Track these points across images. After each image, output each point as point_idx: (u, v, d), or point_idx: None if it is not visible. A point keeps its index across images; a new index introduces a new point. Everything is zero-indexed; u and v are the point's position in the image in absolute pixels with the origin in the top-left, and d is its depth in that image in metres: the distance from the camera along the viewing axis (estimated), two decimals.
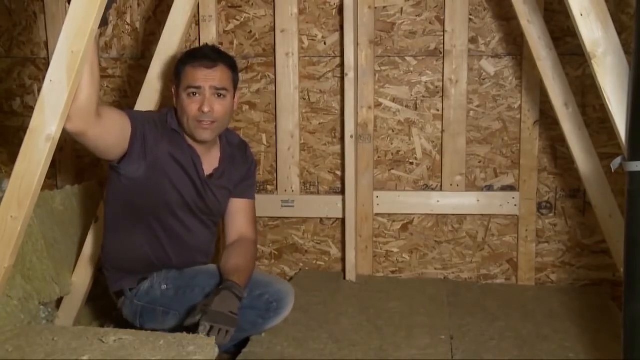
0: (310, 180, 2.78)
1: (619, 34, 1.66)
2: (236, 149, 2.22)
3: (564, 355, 1.98)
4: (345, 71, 2.61)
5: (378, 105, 2.71)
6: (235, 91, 2.10)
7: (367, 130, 2.70)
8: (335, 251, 2.79)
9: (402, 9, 2.66)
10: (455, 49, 2.63)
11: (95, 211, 2.32)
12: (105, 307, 2.42)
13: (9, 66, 2.91)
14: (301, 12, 2.70)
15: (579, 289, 2.63)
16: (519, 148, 2.65)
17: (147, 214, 2.05)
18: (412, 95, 2.70)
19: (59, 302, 2.28)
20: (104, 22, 1.66)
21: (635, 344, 1.59)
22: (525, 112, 2.62)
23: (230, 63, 2.08)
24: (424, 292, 2.54)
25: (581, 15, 1.65)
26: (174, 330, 1.89)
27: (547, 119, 2.61)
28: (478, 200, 2.68)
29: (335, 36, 2.69)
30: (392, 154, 2.74)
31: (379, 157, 2.74)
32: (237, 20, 2.74)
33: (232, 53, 2.60)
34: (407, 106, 2.71)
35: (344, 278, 2.70)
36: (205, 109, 1.98)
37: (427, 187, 2.73)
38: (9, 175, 1.92)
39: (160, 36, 2.27)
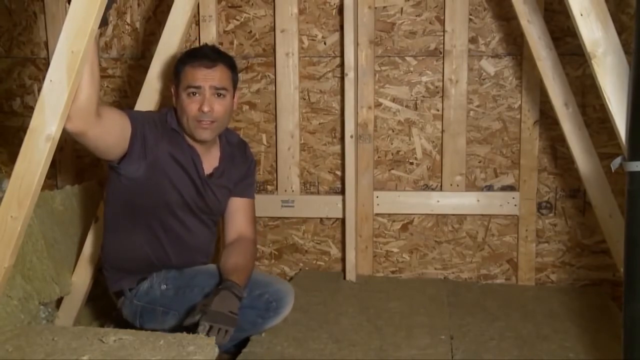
0: (310, 180, 2.78)
1: (619, 34, 1.66)
2: (235, 148, 2.22)
3: (564, 355, 1.98)
4: (345, 71, 2.61)
5: (378, 105, 2.71)
6: (235, 91, 2.11)
7: (367, 130, 2.70)
8: (335, 251, 2.79)
9: (402, 9, 2.66)
10: (455, 49, 2.63)
11: (95, 211, 2.32)
12: (105, 307, 2.41)
13: (9, 66, 2.91)
14: (301, 12, 2.70)
15: (579, 289, 2.63)
16: (519, 148, 2.65)
17: (147, 214, 2.05)
18: (412, 95, 2.70)
19: (59, 302, 2.28)
20: (104, 22, 1.67)
21: (635, 344, 1.59)
22: (525, 112, 2.62)
23: (229, 63, 2.08)
24: (424, 292, 2.54)
25: (581, 15, 1.65)
26: (173, 330, 1.89)
27: (547, 119, 2.61)
28: (478, 200, 2.68)
29: (335, 36, 2.69)
30: (392, 154, 2.74)
31: (379, 157, 2.74)
32: (237, 20, 2.74)
33: (232, 53, 2.60)
34: (407, 106, 2.71)
35: (344, 278, 2.70)
36: (205, 109, 1.98)
37: (427, 187, 2.73)
38: (9, 175, 1.92)
39: (160, 36, 2.27)
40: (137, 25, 2.81)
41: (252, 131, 2.78)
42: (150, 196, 2.02)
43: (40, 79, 2.85)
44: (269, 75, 2.74)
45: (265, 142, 2.78)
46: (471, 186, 2.71)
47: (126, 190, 2.01)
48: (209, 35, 2.69)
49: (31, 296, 2.03)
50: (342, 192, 2.71)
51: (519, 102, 2.63)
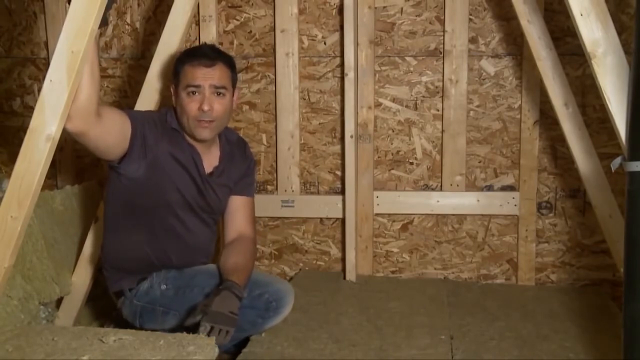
0: (310, 180, 2.78)
1: (619, 34, 1.66)
2: (235, 147, 2.22)
3: (564, 355, 1.98)
4: (345, 71, 2.61)
5: (378, 105, 2.71)
6: (234, 90, 2.11)
7: (367, 130, 2.70)
8: (335, 251, 2.79)
9: (402, 9, 2.66)
10: (455, 49, 2.63)
11: (95, 211, 2.32)
12: (105, 307, 2.41)
13: (9, 66, 2.91)
14: (301, 12, 2.70)
15: (579, 289, 2.63)
16: (519, 148, 2.65)
17: (147, 214, 2.05)
18: (412, 95, 2.70)
19: (59, 302, 2.28)
20: (104, 22, 1.66)
21: (635, 344, 1.59)
22: (525, 112, 2.62)
23: (229, 62, 2.08)
24: (424, 292, 2.54)
25: (581, 15, 1.65)
26: (173, 330, 1.89)
27: (547, 119, 2.61)
28: (478, 200, 2.68)
29: (335, 36, 2.69)
30: (392, 154, 2.74)
31: (379, 157, 2.74)
32: (237, 20, 2.74)
33: (232, 53, 2.60)
34: (407, 106, 2.71)
35: (344, 278, 2.70)
36: (205, 108, 1.98)
37: (427, 187, 2.73)
38: (9, 175, 1.92)
39: (160, 36, 2.27)
40: (137, 25, 2.81)
41: (252, 131, 2.78)
42: (150, 196, 2.02)
43: (40, 79, 2.85)
44: (269, 75, 2.74)
45: (265, 142, 2.78)
46: (471, 186, 2.71)
47: (126, 190, 2.01)
48: (209, 35, 2.69)
49: (31, 296, 2.03)
50: (342, 192, 2.71)
51: (519, 102, 2.63)
